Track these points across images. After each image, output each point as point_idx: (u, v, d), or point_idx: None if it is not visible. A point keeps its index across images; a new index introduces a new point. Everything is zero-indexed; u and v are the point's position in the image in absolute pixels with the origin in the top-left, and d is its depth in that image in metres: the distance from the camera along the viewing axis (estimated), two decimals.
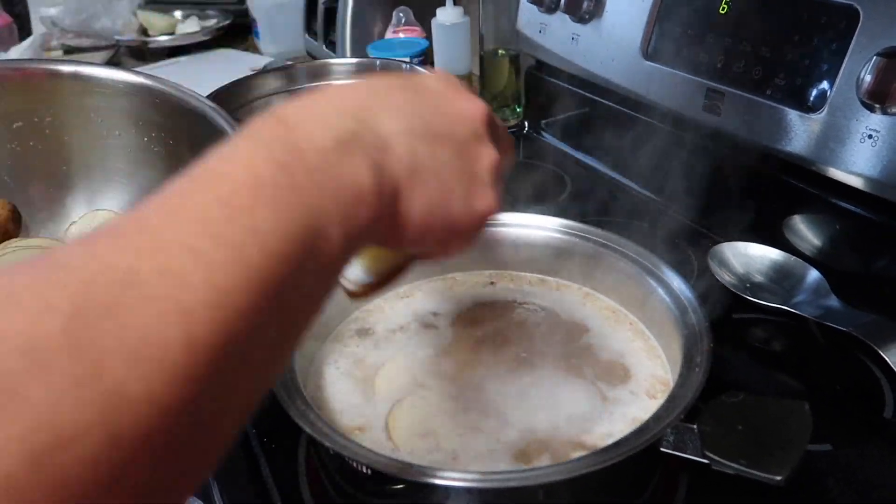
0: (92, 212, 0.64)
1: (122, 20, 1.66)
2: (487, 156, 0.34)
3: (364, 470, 0.42)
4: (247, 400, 0.24)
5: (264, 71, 0.86)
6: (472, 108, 0.35)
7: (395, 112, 0.31)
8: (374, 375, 0.53)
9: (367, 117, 0.30)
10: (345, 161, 0.27)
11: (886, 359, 0.56)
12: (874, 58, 0.57)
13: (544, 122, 1.09)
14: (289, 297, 0.24)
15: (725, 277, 0.68)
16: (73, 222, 0.64)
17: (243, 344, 0.22)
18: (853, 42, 0.60)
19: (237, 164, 0.25)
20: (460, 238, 0.35)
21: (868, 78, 0.57)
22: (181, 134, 0.60)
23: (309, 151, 0.26)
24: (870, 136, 0.59)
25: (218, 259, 0.21)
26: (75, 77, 0.59)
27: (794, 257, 0.68)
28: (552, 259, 0.62)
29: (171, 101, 0.59)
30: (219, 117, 0.57)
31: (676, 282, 0.52)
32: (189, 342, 0.20)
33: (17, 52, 1.44)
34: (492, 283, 0.63)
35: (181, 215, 0.23)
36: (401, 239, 0.32)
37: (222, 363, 0.21)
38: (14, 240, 0.61)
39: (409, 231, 0.32)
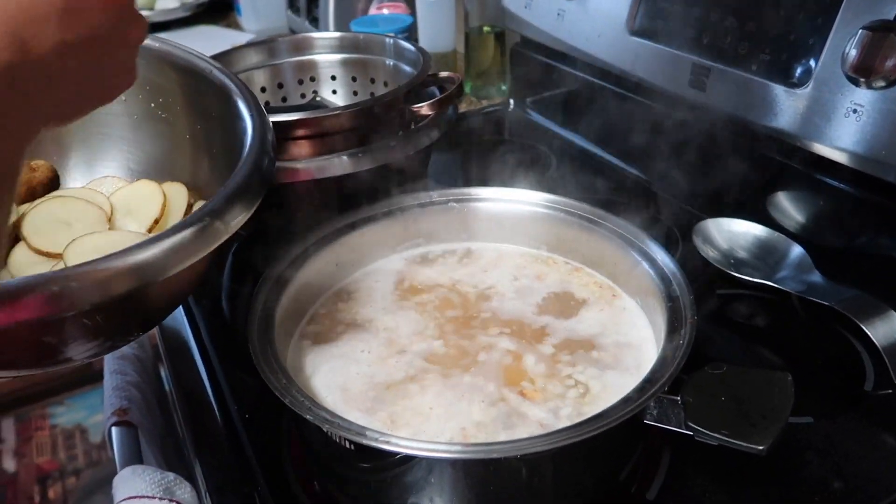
0: (100, 178, 0.63)
1: None
2: None
3: (346, 444, 0.41)
4: None
5: (245, 45, 0.84)
6: None
7: None
8: (358, 358, 0.52)
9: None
10: None
11: (868, 333, 0.56)
12: (860, 31, 0.56)
13: (530, 100, 1.08)
14: None
15: (709, 253, 0.68)
16: (83, 188, 0.62)
17: None
18: (839, 16, 0.60)
19: None
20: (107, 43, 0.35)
21: (853, 52, 0.57)
22: (191, 99, 0.58)
23: None
24: (854, 111, 0.59)
25: None
26: None
27: (777, 233, 0.68)
28: (536, 232, 0.62)
29: (177, 63, 0.57)
30: (227, 79, 0.54)
31: (660, 255, 0.52)
32: None
33: None
34: (467, 252, 0.63)
35: None
36: (52, 91, 0.33)
37: None
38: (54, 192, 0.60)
39: (58, 89, 0.33)
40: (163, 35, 1.73)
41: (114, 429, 0.65)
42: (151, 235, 0.40)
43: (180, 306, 0.71)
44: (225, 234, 0.43)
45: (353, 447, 0.41)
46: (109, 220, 0.58)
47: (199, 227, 0.41)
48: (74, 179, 0.64)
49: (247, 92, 0.54)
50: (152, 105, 0.60)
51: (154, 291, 0.43)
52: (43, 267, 0.53)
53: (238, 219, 0.44)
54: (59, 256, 0.53)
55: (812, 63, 0.62)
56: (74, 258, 0.52)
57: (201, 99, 0.57)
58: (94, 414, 2.00)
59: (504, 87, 1.14)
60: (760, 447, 0.38)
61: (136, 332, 0.49)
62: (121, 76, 0.38)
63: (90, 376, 2.00)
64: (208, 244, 0.41)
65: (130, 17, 0.35)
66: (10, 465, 1.92)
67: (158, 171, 0.62)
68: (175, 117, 0.59)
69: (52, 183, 0.61)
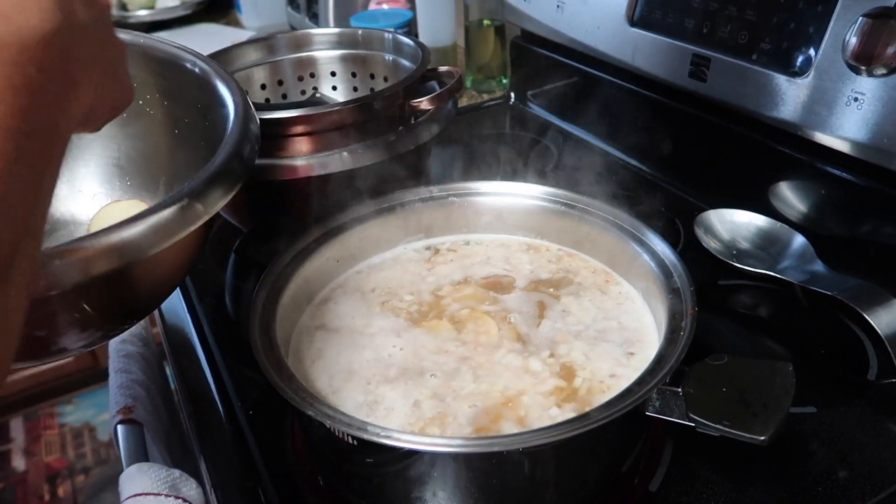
0: (114, 202, 0.64)
1: None
2: None
3: (348, 440, 0.41)
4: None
5: (245, 42, 0.84)
6: None
7: None
8: (358, 353, 0.52)
9: None
10: None
11: (871, 322, 0.56)
12: (860, 19, 0.56)
13: (530, 93, 1.07)
14: None
15: (711, 244, 0.68)
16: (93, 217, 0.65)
17: None
18: (839, 3, 0.60)
19: None
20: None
21: (853, 40, 0.57)
22: (176, 93, 0.58)
23: None
24: (855, 99, 0.59)
25: None
26: None
27: (779, 223, 0.68)
28: (537, 225, 0.61)
29: (160, 57, 0.57)
30: (208, 67, 0.55)
31: (661, 246, 0.52)
32: None
33: None
34: (466, 245, 0.63)
35: None
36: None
37: None
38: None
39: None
40: (163, 34, 1.74)
41: (119, 427, 0.65)
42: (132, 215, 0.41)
43: (184, 304, 0.72)
44: (204, 216, 0.43)
45: (355, 442, 0.41)
46: None
47: (179, 206, 0.41)
48: (71, 184, 0.65)
49: (230, 80, 0.54)
50: (140, 102, 0.60)
51: (138, 274, 0.44)
52: None
53: (219, 202, 0.44)
54: None
55: (812, 52, 0.62)
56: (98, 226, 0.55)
57: (183, 90, 0.57)
58: (102, 412, 2.01)
59: (505, 81, 1.14)
60: (762, 437, 0.38)
61: (128, 320, 0.49)
62: (122, 80, 0.37)
63: (97, 375, 2.02)
64: (188, 224, 0.42)
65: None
66: (19, 463, 1.94)
67: (144, 166, 0.62)
68: (163, 112, 0.60)
69: None
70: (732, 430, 0.39)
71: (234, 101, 0.52)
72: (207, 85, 0.55)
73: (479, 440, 0.40)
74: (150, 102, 0.60)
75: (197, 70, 0.56)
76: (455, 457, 0.41)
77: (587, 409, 0.44)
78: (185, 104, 0.58)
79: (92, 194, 0.65)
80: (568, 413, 0.45)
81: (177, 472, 0.55)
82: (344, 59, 0.85)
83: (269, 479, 0.51)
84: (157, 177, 0.63)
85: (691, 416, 0.40)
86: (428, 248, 0.63)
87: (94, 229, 0.61)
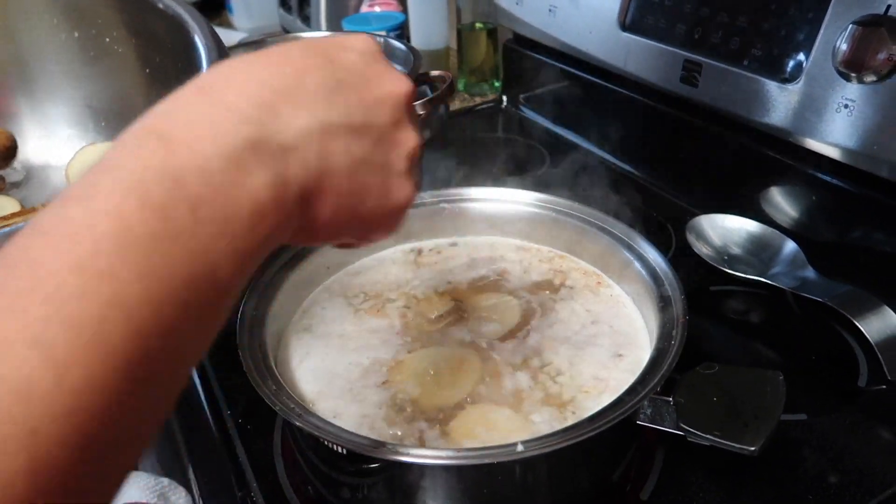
0: (89, 145, 0.62)
1: None
2: (407, 141, 0.32)
3: (338, 449, 0.41)
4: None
5: (234, 46, 0.84)
6: (395, 88, 0.32)
7: (308, 102, 0.28)
8: (349, 356, 0.52)
9: (271, 116, 0.26)
10: (238, 181, 0.24)
11: (861, 328, 0.56)
12: (850, 26, 0.56)
13: (522, 97, 1.07)
14: (167, 355, 0.21)
15: (703, 250, 0.68)
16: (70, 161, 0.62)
17: (107, 434, 0.19)
18: (829, 10, 0.60)
19: (99, 211, 0.20)
20: (379, 230, 0.34)
21: (844, 47, 0.57)
22: (144, 31, 0.56)
23: (192, 179, 0.23)
24: (845, 106, 0.59)
25: (71, 352, 0.18)
26: None
27: (771, 229, 0.68)
28: (528, 233, 0.61)
29: None
30: (182, 10, 0.53)
31: (652, 254, 0.52)
32: (33, 468, 0.18)
33: None
34: (455, 248, 0.63)
35: (25, 296, 0.19)
36: (310, 239, 0.31)
37: (76, 464, 0.19)
38: None
39: (320, 232, 0.30)
40: None
41: None
42: None
43: None
44: None
45: (345, 452, 0.41)
46: None
47: None
48: (37, 123, 0.63)
49: (201, 20, 0.52)
50: (107, 39, 0.58)
51: None
52: None
53: None
54: None
55: (803, 58, 0.62)
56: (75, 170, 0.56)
57: (150, 28, 0.55)
58: None
59: (497, 84, 1.14)
60: (752, 448, 0.38)
61: None
62: (385, 198, 0.32)
63: None
64: None
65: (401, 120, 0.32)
66: None
67: (118, 106, 0.61)
68: (131, 51, 0.58)
69: (10, 152, 0.60)
70: (723, 441, 0.38)
71: (204, 40, 0.50)
72: (176, 24, 0.52)
73: (469, 451, 0.40)
74: (116, 40, 0.57)
75: (162, 7, 0.53)
76: (446, 468, 0.40)
77: (569, 413, 0.44)
78: (155, 43, 0.56)
79: (65, 137, 0.63)
80: (550, 417, 0.45)
81: (166, 481, 0.54)
82: None
83: (258, 488, 0.51)
84: (132, 118, 0.62)
85: (682, 425, 0.40)
86: (412, 249, 0.63)
87: (71, 174, 0.60)
